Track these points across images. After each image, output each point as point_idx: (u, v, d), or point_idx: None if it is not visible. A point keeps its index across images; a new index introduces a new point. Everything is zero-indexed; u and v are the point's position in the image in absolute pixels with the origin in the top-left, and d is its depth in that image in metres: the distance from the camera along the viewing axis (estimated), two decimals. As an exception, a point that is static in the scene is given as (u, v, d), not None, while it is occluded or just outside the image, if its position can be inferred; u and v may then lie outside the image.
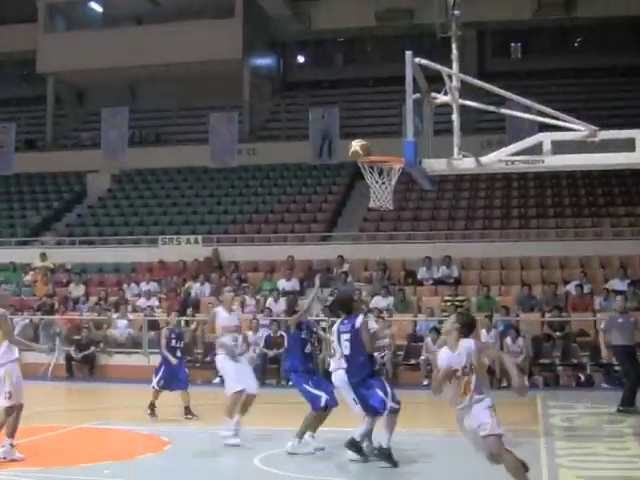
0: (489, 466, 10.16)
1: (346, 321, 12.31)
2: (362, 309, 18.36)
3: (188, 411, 16.56)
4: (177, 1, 39.96)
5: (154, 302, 27.92)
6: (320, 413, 12.68)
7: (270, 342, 24.47)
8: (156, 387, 16.63)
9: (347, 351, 12.09)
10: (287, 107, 42.25)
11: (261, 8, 40.24)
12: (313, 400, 12.69)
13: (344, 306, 12.77)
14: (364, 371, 12.12)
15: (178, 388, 16.76)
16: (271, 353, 24.15)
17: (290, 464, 11.96)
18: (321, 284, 28.12)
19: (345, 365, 12.10)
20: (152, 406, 16.52)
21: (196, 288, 28.44)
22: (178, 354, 16.90)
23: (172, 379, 16.73)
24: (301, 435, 12.62)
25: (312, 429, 12.79)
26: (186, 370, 17.38)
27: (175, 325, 17.34)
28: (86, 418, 14.91)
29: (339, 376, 12.26)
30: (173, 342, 16.85)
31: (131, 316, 26.98)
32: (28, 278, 30.96)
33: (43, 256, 31.73)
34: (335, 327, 12.52)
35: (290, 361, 13.71)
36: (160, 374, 16.69)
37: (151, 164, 38.51)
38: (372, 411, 11.95)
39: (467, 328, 9.82)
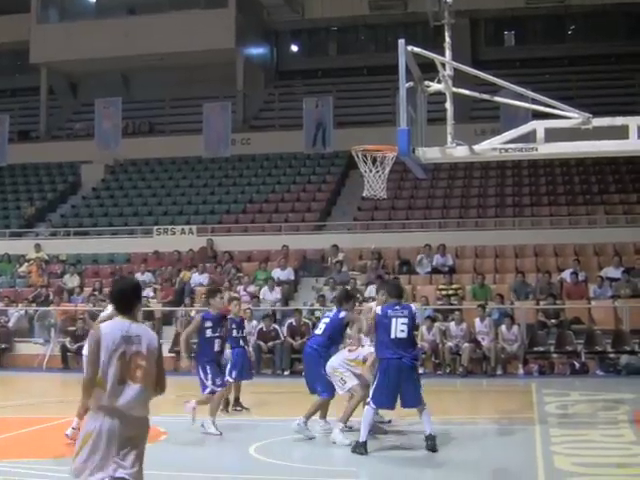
0: (481, 456, 10.22)
1: (398, 307, 12.23)
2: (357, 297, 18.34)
3: (238, 403, 16.30)
4: (170, -9, 39.89)
5: (149, 292, 27.89)
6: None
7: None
8: (230, 379, 16.08)
9: (404, 334, 12.06)
10: (281, 96, 42.22)
11: (254, -3, 40.20)
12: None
13: (398, 292, 12.79)
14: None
15: (248, 378, 16.46)
16: (266, 346, 24.02)
17: (285, 454, 11.98)
18: (315, 273, 28.28)
19: (404, 349, 12.06)
20: (237, 400, 16.21)
21: (192, 278, 28.42)
22: (241, 343, 16.30)
23: (245, 369, 16.31)
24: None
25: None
26: (250, 360, 16.99)
27: (235, 314, 16.69)
28: (82, 409, 14.95)
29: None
30: (234, 332, 16.13)
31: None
32: (23, 269, 30.92)
33: (37, 247, 31.69)
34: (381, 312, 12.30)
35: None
36: (231, 365, 15.94)
37: (145, 154, 38.46)
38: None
39: None
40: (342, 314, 13.40)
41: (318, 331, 13.60)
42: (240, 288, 26.98)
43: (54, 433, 10.46)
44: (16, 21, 41.09)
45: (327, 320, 13.50)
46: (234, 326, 16.13)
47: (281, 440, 12.93)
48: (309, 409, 13.06)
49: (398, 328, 12.01)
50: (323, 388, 13.03)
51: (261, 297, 26.52)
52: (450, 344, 23.03)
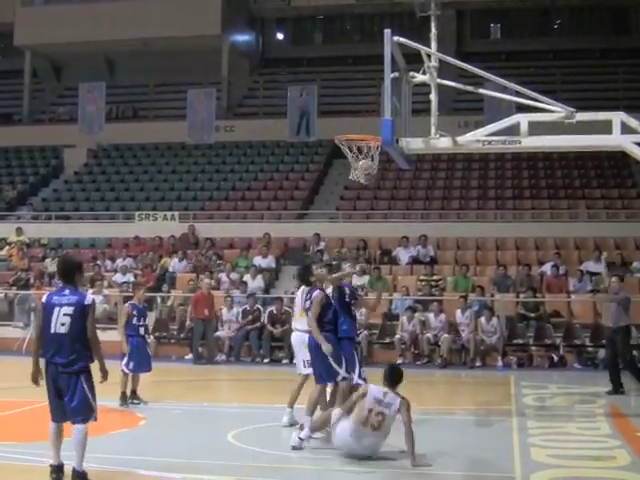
0: (458, 447, 10.26)
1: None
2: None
3: (135, 395, 15.70)
4: (156, -24, 39.71)
5: (130, 278, 27.84)
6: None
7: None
8: (126, 370, 15.76)
9: None
10: (265, 84, 42.17)
11: (241, -16, 40.13)
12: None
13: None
14: None
15: (146, 370, 15.77)
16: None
17: (263, 441, 12.00)
18: (297, 262, 28.23)
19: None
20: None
21: (173, 264, 28.38)
22: (141, 332, 15.65)
23: (143, 360, 15.65)
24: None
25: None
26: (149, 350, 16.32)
27: (139, 300, 15.91)
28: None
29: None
30: (135, 320, 15.50)
31: (107, 291, 26.89)
32: (3, 253, 30.80)
33: (19, 231, 31.57)
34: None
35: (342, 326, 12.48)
36: (128, 356, 15.39)
37: (128, 139, 38.33)
38: None
39: None
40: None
41: None
42: (222, 275, 26.98)
43: (32, 417, 10.41)
44: (0, 3, 40.83)
45: None
46: (135, 313, 15.59)
47: (259, 427, 12.97)
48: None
49: None
50: None
51: (245, 281, 26.47)
52: (429, 335, 23.09)
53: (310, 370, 12.45)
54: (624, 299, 17.66)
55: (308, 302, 12.22)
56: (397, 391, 10.79)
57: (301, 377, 13.02)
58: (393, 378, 10.89)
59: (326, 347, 11.72)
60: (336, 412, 11.02)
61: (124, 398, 15.14)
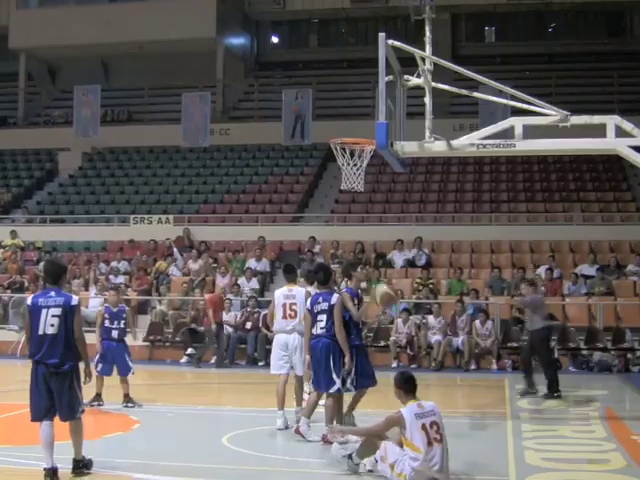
0: (453, 450, 10.26)
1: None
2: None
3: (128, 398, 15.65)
4: (151, -22, 39.73)
5: (121, 280, 27.74)
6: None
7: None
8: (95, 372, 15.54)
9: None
10: (260, 87, 42.15)
11: (236, -13, 40.14)
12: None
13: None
14: None
15: (109, 374, 15.74)
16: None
17: (257, 444, 12.00)
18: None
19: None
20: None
21: (172, 270, 28.29)
22: (113, 335, 15.61)
23: (110, 363, 15.68)
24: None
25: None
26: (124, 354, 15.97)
27: (112, 304, 15.81)
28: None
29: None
30: (107, 322, 15.52)
31: (106, 294, 26.75)
32: (-2, 256, 30.78)
33: (13, 234, 31.54)
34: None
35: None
36: (98, 357, 15.45)
37: (123, 142, 38.31)
38: None
39: None
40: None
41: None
42: (218, 276, 26.93)
43: (27, 420, 10.37)
44: (-5, 6, 40.90)
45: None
46: (107, 316, 15.59)
47: (254, 430, 12.96)
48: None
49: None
50: None
51: (240, 287, 26.45)
52: (429, 333, 23.13)
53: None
54: (531, 302, 17.80)
55: (325, 304, 12.10)
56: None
57: (282, 377, 13.04)
58: (411, 386, 10.01)
59: (349, 359, 11.76)
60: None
61: (95, 399, 15.22)
